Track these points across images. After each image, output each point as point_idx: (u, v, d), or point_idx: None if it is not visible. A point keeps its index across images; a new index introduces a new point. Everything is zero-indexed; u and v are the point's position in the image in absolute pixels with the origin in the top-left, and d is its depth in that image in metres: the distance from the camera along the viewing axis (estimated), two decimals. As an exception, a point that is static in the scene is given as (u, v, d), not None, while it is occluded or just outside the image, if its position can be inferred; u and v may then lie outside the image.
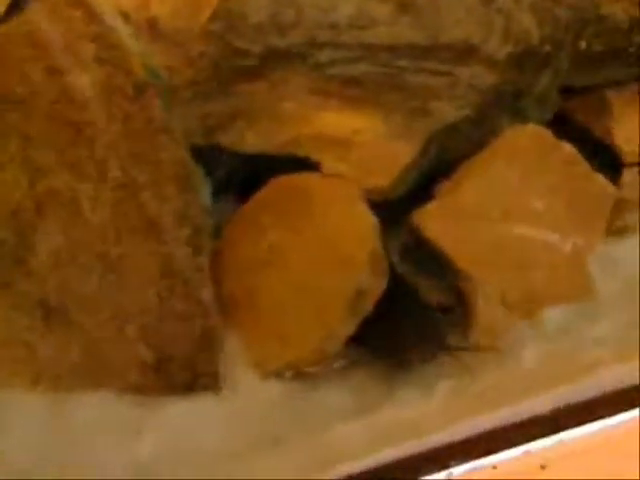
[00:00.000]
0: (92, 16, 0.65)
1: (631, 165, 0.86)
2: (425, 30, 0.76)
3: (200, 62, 0.71)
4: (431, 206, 0.75)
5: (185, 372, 0.73)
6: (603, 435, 0.74)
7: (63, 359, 0.71)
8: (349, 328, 0.73)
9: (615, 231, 0.82)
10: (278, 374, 0.73)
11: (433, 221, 0.75)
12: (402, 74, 0.76)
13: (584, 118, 0.86)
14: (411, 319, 0.75)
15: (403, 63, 0.76)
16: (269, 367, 0.73)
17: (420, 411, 0.74)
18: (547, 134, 0.78)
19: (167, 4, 0.72)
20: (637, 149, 0.85)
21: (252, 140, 0.74)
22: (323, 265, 0.73)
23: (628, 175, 0.85)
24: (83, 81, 0.66)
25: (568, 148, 0.79)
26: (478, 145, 0.77)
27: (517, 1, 0.78)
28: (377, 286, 0.73)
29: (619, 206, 0.82)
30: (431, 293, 0.77)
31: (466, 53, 0.76)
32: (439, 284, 0.77)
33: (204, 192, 0.70)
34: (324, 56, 0.74)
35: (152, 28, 0.71)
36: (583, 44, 0.81)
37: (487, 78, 0.77)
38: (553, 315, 0.78)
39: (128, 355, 0.72)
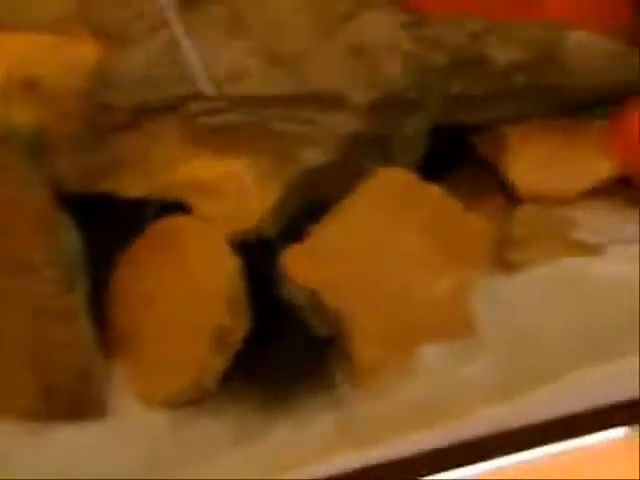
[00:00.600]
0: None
1: (524, 200, 0.89)
2: (293, 81, 0.81)
3: (76, 118, 0.78)
4: (296, 247, 0.80)
5: (68, 399, 0.80)
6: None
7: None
8: (219, 363, 0.79)
9: (505, 267, 0.85)
10: (162, 404, 0.80)
11: (299, 261, 0.80)
12: (271, 122, 0.81)
13: (486, 153, 0.90)
14: (291, 352, 0.81)
15: (272, 112, 0.81)
16: (152, 398, 0.80)
17: (298, 443, 0.79)
18: (412, 176, 0.82)
19: (49, 66, 0.79)
20: (531, 185, 0.88)
21: (130, 186, 0.80)
22: (190, 304, 0.79)
23: (520, 211, 0.88)
24: None
25: (436, 189, 0.83)
26: (348, 189, 0.82)
27: (390, 50, 0.83)
28: (239, 324, 0.79)
29: (510, 242, 0.86)
30: (318, 326, 0.82)
31: (330, 101, 0.81)
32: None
33: (72, 235, 0.77)
34: (195, 107, 0.80)
35: (31, 87, 0.79)
36: (457, 88, 0.84)
37: (351, 124, 0.82)
38: (430, 352, 0.81)
39: (16, 381, 0.80)
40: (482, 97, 0.85)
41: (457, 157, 0.89)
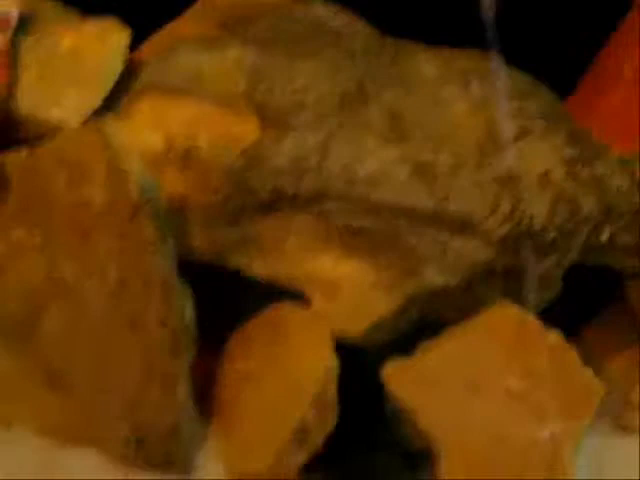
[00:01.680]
0: (106, 143, 0.78)
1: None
2: (433, 197, 0.81)
3: (218, 192, 0.82)
4: (400, 363, 0.81)
5: (158, 453, 0.84)
6: None
7: (62, 418, 0.85)
8: (297, 458, 0.81)
9: (615, 427, 0.82)
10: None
11: (399, 377, 0.81)
12: (400, 233, 0.82)
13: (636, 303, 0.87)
14: (377, 461, 0.82)
15: (403, 223, 0.82)
16: (233, 471, 0.83)
17: None
18: (530, 318, 0.81)
19: (208, 137, 0.84)
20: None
21: (258, 268, 0.83)
22: (282, 391, 0.82)
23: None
24: (94, 195, 0.79)
25: (554, 336, 0.81)
26: (465, 314, 0.81)
27: (541, 186, 0.81)
28: (324, 423, 0.80)
29: (627, 405, 0.83)
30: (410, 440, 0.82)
31: (464, 226, 0.81)
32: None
33: (188, 304, 0.81)
34: (331, 205, 0.82)
35: (188, 157, 0.83)
36: (605, 236, 0.82)
37: (480, 253, 0.81)
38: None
39: (113, 427, 0.85)
40: (633, 246, 0.81)
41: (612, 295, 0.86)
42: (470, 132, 0.83)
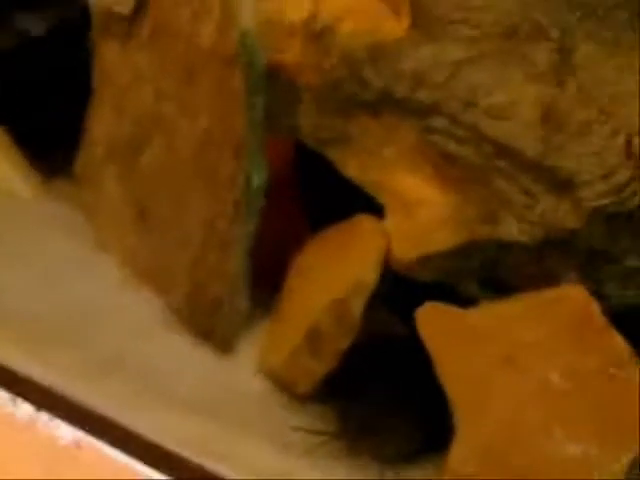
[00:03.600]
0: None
1: None
2: (547, 145, 0.72)
3: (329, 74, 0.78)
4: (440, 307, 0.73)
5: (202, 321, 0.83)
6: None
7: (141, 257, 0.87)
8: (312, 365, 0.76)
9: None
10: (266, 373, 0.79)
11: (434, 321, 0.73)
12: (495, 174, 0.74)
13: None
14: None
15: (503, 164, 0.74)
16: (261, 363, 0.80)
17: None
18: (599, 315, 0.69)
19: (354, 27, 0.80)
20: None
21: (352, 168, 0.79)
22: (313, 296, 0.77)
23: None
24: (206, 35, 0.79)
25: (619, 343, 0.69)
26: (527, 286, 0.72)
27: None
28: (336, 338, 0.75)
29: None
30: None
31: (564, 184, 0.71)
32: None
33: (259, 173, 0.79)
34: (438, 123, 0.75)
35: (320, 34, 0.80)
36: None
37: (568, 219, 0.71)
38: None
39: (177, 280, 0.85)
40: None
41: None
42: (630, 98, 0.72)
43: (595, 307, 0.68)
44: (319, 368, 0.74)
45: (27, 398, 0.74)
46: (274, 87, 0.77)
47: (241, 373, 0.80)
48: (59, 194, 0.94)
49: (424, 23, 0.78)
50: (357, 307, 0.72)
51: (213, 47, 0.76)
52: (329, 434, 0.73)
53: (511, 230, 0.71)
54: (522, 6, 0.77)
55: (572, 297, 0.69)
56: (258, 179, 0.77)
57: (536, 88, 0.74)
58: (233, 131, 0.77)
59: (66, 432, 0.72)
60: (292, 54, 0.79)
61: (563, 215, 0.70)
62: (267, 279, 0.81)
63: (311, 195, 0.85)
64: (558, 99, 0.73)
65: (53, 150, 0.94)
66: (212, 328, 0.81)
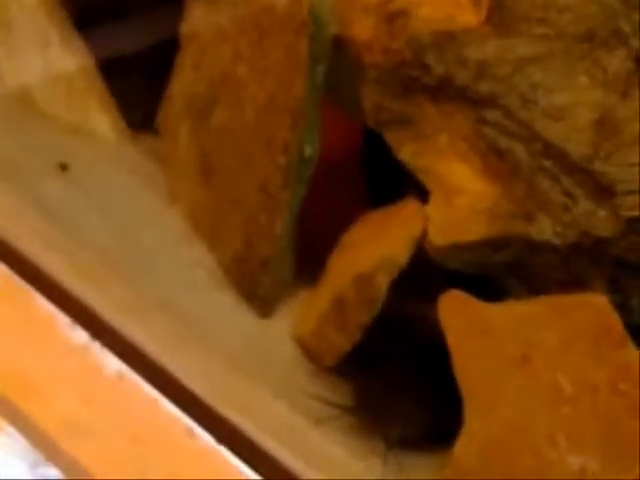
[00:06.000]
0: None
1: None
2: (595, 150, 0.72)
3: (393, 55, 0.79)
4: (463, 296, 0.73)
5: (246, 281, 0.86)
6: None
7: (204, 210, 0.90)
8: (336, 337, 0.77)
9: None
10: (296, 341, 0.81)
11: (455, 308, 0.73)
12: (539, 172, 0.73)
13: None
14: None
15: (549, 164, 0.73)
16: (297, 332, 0.81)
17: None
18: (619, 327, 0.68)
19: (429, 14, 0.80)
20: None
21: (405, 152, 0.79)
22: (345, 271, 0.78)
23: None
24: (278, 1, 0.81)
25: (634, 356, 0.68)
26: (552, 289, 0.71)
27: None
28: (359, 311, 0.76)
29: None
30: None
31: (605, 191, 0.70)
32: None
33: (311, 143, 0.80)
34: (493, 116, 0.75)
35: (394, 16, 0.81)
36: None
37: (603, 227, 0.70)
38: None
39: (231, 238, 0.88)
40: None
41: None
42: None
43: (616, 319, 0.67)
44: (343, 342, 0.75)
45: (83, 326, 0.77)
46: (340, 61, 0.78)
47: (276, 336, 0.82)
48: (141, 143, 0.97)
49: (501, 18, 0.77)
50: (383, 283, 0.73)
51: (286, 12, 0.78)
52: (342, 407, 0.74)
53: (545, 230, 0.70)
54: (606, 12, 0.75)
55: (594, 306, 0.68)
56: (310, 149, 0.78)
57: (598, 93, 0.72)
58: (293, 99, 0.78)
59: (112, 362, 0.75)
60: (363, 31, 0.79)
61: (598, 221, 0.69)
62: (319, 253, 0.82)
63: (375, 175, 0.86)
64: (617, 107, 0.71)
65: (147, 104, 0.97)
66: (256, 289, 0.83)
